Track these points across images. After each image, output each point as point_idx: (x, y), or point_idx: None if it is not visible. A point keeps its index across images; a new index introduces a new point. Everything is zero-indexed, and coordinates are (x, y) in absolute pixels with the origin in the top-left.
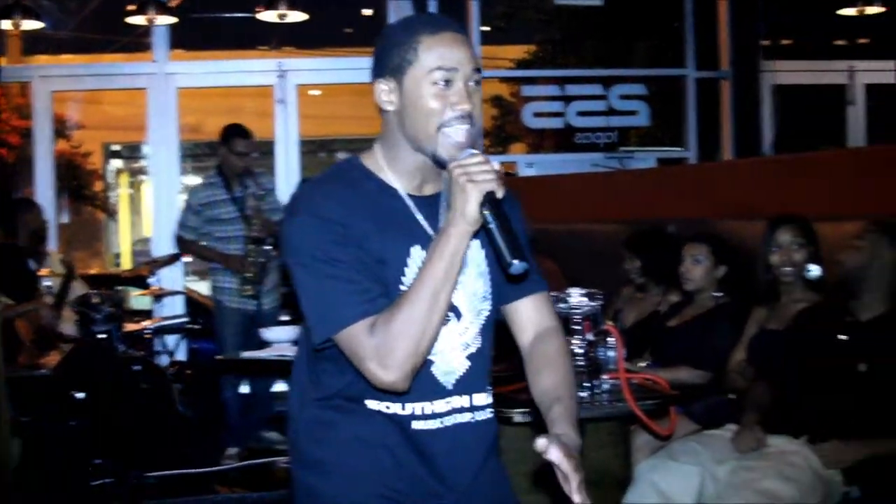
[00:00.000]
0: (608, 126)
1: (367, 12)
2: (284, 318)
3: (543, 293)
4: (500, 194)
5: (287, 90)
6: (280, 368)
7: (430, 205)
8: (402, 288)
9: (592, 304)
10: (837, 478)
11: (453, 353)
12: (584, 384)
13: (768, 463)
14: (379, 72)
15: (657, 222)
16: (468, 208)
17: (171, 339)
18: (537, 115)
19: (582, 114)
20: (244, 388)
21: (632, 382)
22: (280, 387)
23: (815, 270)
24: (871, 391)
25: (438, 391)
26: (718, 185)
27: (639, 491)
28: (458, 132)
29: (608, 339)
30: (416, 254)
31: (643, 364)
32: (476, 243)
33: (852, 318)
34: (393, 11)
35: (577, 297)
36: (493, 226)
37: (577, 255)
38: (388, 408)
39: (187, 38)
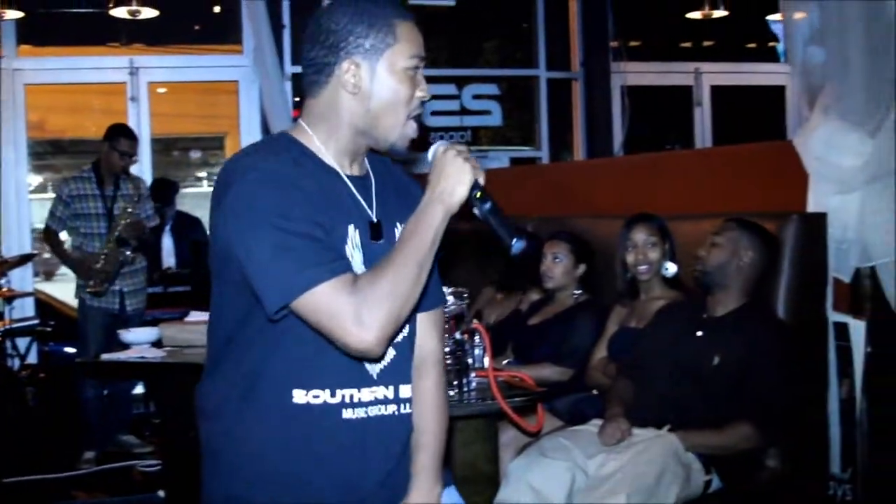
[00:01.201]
0: (461, 125)
1: (218, 10)
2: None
3: (439, 309)
4: (482, 180)
5: (139, 88)
6: (140, 371)
7: (363, 186)
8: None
9: (459, 302)
10: (697, 465)
11: None
12: (453, 383)
13: (633, 453)
14: (347, 51)
15: (517, 220)
16: (459, 189)
17: (21, 342)
18: None
19: (435, 113)
20: (102, 391)
21: (499, 380)
22: (139, 389)
23: (671, 268)
24: (723, 383)
25: (365, 379)
26: (574, 184)
27: (512, 489)
28: (414, 123)
29: (475, 337)
30: (352, 233)
31: (505, 362)
32: (399, 227)
33: (709, 315)
34: (246, 10)
35: None
36: (486, 207)
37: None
38: (316, 397)
39: (35, 34)
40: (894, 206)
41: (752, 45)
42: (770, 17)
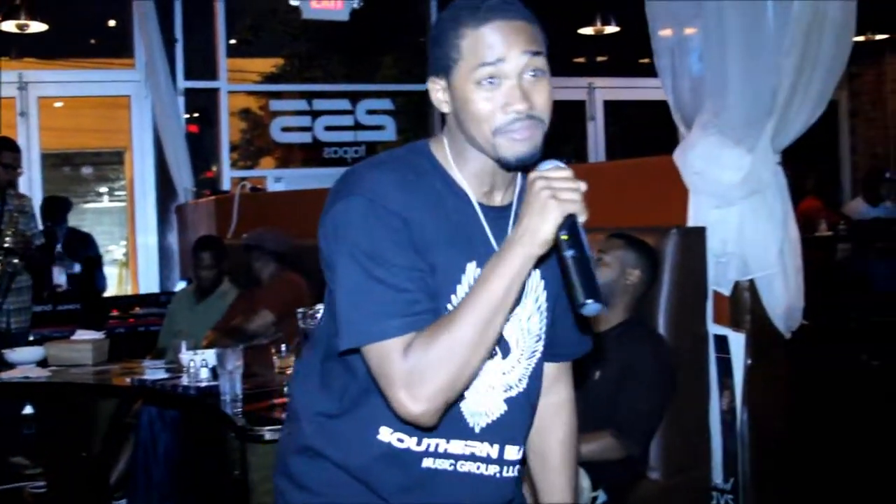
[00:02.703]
0: (356, 141)
1: (112, 23)
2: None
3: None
4: (582, 218)
5: (28, 102)
6: (25, 391)
7: (500, 217)
8: (450, 307)
9: None
10: (586, 482)
11: (490, 394)
12: None
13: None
14: (431, 69)
15: None
16: (544, 228)
17: None
18: (285, 129)
19: (329, 128)
20: None
21: None
22: (29, 409)
23: None
24: (601, 396)
25: (462, 432)
26: None
27: None
28: (520, 134)
29: None
30: (472, 271)
31: None
32: (536, 273)
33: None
34: (138, 25)
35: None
36: (568, 254)
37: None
38: (400, 441)
39: None
40: (772, 219)
41: (645, 61)
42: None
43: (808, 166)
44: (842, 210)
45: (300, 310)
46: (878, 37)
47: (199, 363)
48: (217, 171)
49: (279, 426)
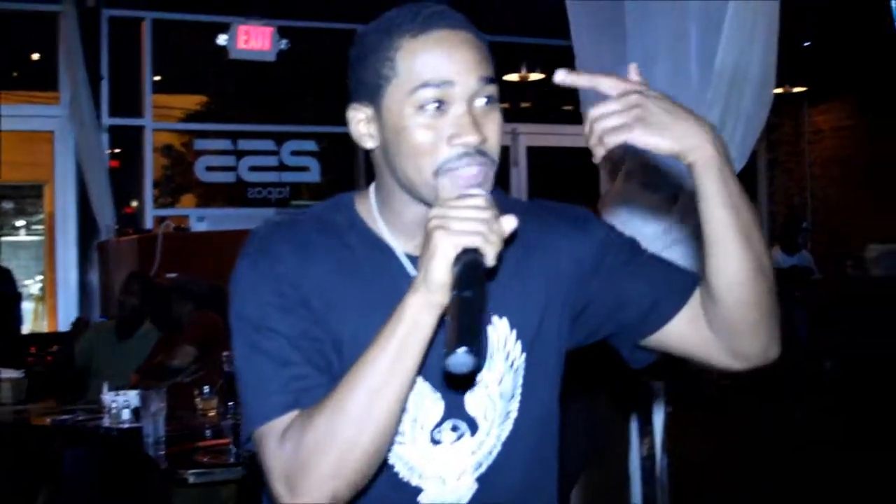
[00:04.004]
0: (280, 181)
1: (36, 57)
2: None
3: (692, 298)
4: (489, 255)
5: None
6: None
7: None
8: None
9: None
10: None
11: (460, 480)
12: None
13: None
14: (352, 95)
15: None
16: (433, 266)
17: None
18: (210, 168)
19: (254, 168)
20: None
21: None
22: None
23: None
24: None
25: None
26: None
27: None
28: (465, 173)
29: None
30: None
31: None
32: (503, 323)
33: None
34: (63, 59)
35: None
36: (454, 293)
37: None
38: None
39: None
40: (695, 269)
41: (569, 108)
42: None
43: None
44: None
45: (224, 353)
46: (797, 89)
47: (121, 404)
48: (139, 208)
49: (203, 469)
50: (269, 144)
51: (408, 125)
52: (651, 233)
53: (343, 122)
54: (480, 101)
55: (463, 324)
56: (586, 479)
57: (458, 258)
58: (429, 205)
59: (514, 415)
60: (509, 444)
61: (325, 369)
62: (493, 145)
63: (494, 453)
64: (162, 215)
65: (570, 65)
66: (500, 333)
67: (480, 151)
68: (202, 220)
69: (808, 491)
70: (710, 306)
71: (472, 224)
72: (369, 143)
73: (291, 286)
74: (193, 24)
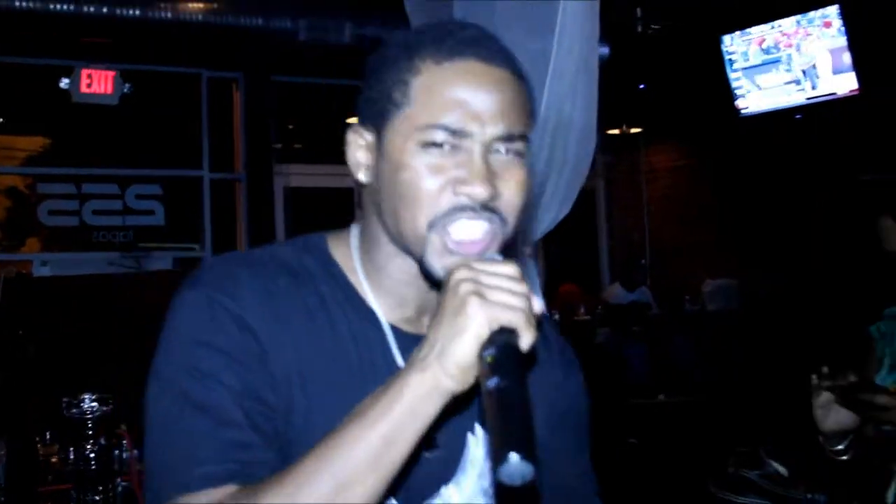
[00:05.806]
0: (124, 225)
1: None
2: None
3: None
4: (524, 341)
5: None
6: None
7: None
8: None
9: (104, 408)
10: None
11: None
12: (98, 488)
13: None
14: (357, 112)
15: None
16: (459, 342)
17: None
18: (53, 212)
19: (98, 212)
20: None
21: None
22: None
23: None
24: None
25: None
26: None
27: None
28: (467, 230)
29: (123, 441)
30: None
31: None
32: (478, 435)
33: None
34: None
35: (88, 402)
36: (492, 384)
37: (94, 357)
38: None
39: None
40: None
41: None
42: None
43: (567, 252)
44: (600, 295)
45: (64, 399)
46: (633, 130)
47: None
48: None
49: None
50: (112, 188)
51: (410, 163)
52: None
53: (186, 165)
54: (499, 149)
55: (512, 424)
56: None
57: (490, 339)
58: (419, 262)
59: None
60: None
61: (272, 441)
62: (508, 204)
63: None
64: (3, 260)
65: None
66: (475, 448)
67: (488, 208)
68: (45, 265)
69: None
70: None
71: (512, 298)
72: (363, 176)
73: (250, 335)
74: (37, 67)
